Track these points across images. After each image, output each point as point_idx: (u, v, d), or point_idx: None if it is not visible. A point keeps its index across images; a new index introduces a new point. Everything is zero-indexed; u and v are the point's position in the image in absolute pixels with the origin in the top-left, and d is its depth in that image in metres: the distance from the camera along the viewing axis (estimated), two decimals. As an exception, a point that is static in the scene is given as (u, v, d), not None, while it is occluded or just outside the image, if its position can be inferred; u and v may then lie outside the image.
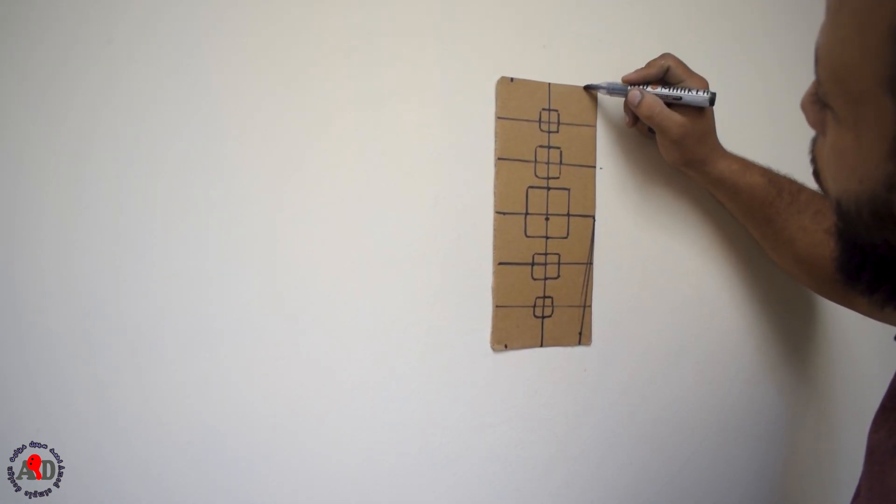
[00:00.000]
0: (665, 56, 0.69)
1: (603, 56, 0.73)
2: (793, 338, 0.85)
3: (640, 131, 0.74)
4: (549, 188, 0.71)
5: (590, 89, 0.71)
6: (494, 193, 0.68)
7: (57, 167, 0.54)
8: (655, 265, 0.76)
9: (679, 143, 0.68)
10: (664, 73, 0.68)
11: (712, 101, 0.67)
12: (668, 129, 0.67)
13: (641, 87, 0.68)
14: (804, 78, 0.42)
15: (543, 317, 0.71)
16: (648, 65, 0.69)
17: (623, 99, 0.70)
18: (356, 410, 0.64)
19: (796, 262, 0.71)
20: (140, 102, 0.56)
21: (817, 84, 0.40)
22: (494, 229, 0.68)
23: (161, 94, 0.57)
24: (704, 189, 0.75)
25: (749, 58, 0.82)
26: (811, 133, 0.45)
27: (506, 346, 0.69)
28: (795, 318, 0.86)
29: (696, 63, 0.79)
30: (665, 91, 0.67)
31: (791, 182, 0.71)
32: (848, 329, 0.90)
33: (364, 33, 0.63)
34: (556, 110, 0.71)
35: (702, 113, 0.68)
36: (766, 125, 0.82)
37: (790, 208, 0.69)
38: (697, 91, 0.67)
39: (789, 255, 0.71)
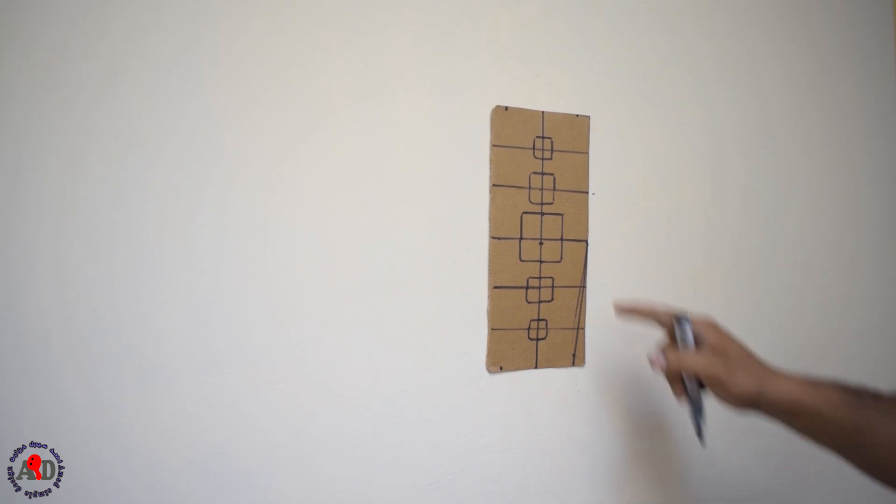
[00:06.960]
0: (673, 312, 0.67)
1: (595, 85, 0.75)
2: (791, 353, 0.86)
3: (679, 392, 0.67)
4: (543, 213, 0.72)
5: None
6: (489, 219, 0.70)
7: (60, 178, 0.56)
8: (647, 288, 0.78)
9: (724, 368, 0.63)
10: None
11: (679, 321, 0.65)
12: (707, 363, 0.63)
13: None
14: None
15: (538, 339, 0.72)
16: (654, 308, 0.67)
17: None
18: (354, 430, 0.65)
19: None
20: (138, 109, 0.58)
21: None
22: (489, 254, 0.70)
23: (158, 102, 0.59)
24: (773, 415, 0.64)
25: (733, 93, 0.83)
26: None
27: (501, 368, 0.71)
28: (789, 332, 0.87)
29: (684, 91, 0.81)
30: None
31: (864, 387, 0.64)
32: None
33: (362, 64, 0.65)
34: (550, 138, 0.73)
35: (723, 343, 0.64)
36: (763, 138, 0.84)
37: (878, 408, 0.62)
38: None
39: None
